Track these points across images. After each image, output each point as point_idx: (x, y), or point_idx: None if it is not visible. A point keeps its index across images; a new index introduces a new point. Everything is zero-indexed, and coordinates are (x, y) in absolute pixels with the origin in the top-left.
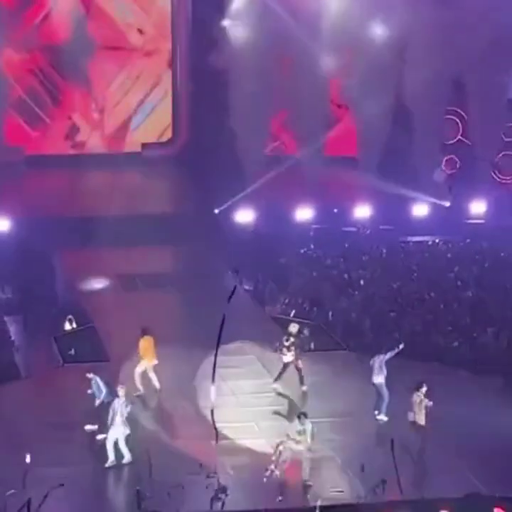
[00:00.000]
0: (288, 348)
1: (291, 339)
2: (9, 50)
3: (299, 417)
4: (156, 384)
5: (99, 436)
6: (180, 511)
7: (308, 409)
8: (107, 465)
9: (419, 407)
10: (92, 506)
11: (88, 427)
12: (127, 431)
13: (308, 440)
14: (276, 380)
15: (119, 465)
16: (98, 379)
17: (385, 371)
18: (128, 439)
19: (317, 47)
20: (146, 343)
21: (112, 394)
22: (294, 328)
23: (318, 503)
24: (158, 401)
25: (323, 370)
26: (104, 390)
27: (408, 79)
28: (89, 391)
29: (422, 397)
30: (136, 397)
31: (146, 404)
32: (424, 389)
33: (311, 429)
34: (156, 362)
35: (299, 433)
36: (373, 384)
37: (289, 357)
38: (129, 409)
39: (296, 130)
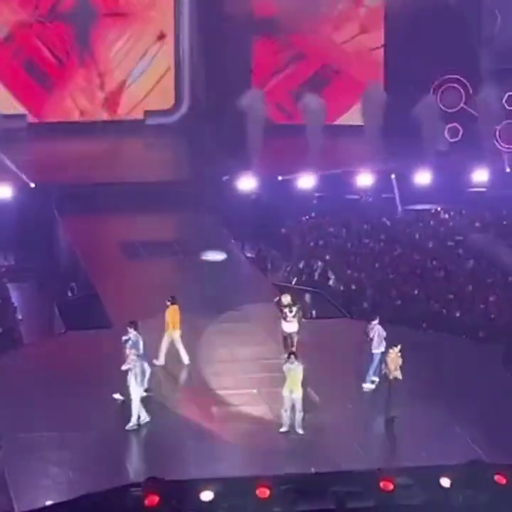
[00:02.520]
0: (293, 319)
1: (294, 309)
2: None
3: (288, 356)
4: (185, 357)
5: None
6: (182, 477)
7: (308, 377)
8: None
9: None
10: (97, 470)
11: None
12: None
13: (299, 383)
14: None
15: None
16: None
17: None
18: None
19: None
20: (172, 312)
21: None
22: (285, 298)
23: (313, 470)
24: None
25: (324, 337)
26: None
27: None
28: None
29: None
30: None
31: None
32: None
33: (303, 371)
34: (179, 332)
35: (292, 367)
36: (373, 353)
37: (294, 326)
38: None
39: (301, 96)
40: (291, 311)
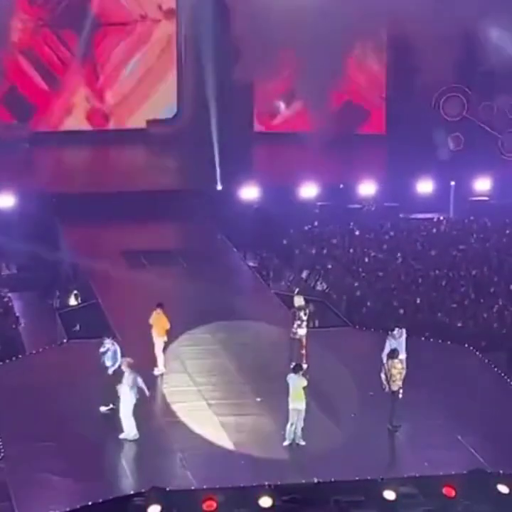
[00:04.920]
0: (305, 322)
1: (307, 311)
2: (19, 26)
3: (294, 367)
4: (161, 367)
5: (103, 409)
6: (184, 487)
7: (311, 386)
8: (131, 438)
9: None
10: (94, 481)
11: (103, 409)
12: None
13: (302, 395)
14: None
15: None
16: (118, 347)
17: None
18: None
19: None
20: (158, 318)
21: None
22: (299, 300)
23: (315, 479)
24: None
25: (327, 346)
26: (119, 359)
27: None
28: (102, 350)
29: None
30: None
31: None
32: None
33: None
34: (160, 339)
35: (297, 384)
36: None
37: (304, 330)
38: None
39: (305, 105)
40: (305, 314)
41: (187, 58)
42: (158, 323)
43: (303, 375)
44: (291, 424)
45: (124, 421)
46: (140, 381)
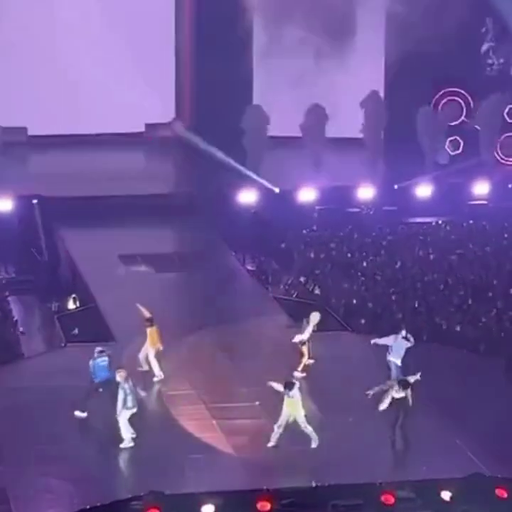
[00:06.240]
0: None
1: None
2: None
3: (286, 387)
4: (158, 371)
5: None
6: (182, 490)
7: (309, 390)
8: (126, 445)
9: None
10: (92, 485)
11: (77, 414)
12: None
13: (300, 407)
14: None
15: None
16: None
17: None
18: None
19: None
20: (151, 333)
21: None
22: (315, 316)
23: (313, 483)
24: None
25: (325, 350)
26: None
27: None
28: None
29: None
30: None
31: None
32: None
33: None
34: (152, 348)
35: (291, 397)
36: (389, 361)
37: (297, 337)
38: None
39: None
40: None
41: (187, 59)
42: (150, 337)
43: (298, 389)
44: (279, 426)
45: (122, 429)
46: (121, 395)
